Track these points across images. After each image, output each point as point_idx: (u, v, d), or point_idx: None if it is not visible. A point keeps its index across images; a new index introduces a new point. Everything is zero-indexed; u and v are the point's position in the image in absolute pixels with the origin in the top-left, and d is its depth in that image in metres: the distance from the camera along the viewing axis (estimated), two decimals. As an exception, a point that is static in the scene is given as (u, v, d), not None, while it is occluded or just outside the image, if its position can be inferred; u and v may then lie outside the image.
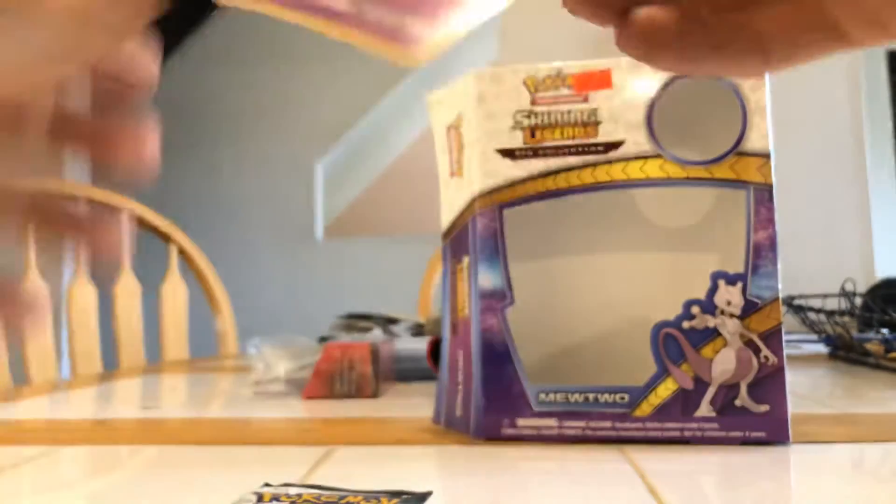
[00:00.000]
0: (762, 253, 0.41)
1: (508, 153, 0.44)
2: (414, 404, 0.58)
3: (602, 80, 0.43)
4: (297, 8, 0.23)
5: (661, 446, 0.40)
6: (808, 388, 0.63)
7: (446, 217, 0.47)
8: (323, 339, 0.89)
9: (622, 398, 0.41)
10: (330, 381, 0.63)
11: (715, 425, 0.40)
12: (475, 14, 0.24)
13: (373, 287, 3.40)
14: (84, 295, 1.19)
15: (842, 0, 0.20)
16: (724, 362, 0.40)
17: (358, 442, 0.44)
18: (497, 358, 0.43)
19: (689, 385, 0.41)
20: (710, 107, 0.42)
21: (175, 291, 1.30)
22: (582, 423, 0.42)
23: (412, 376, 0.73)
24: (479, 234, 0.44)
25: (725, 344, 0.40)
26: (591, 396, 0.42)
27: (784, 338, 0.40)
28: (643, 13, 0.21)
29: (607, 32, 0.29)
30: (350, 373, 0.63)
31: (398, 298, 3.32)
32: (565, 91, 0.43)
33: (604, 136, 0.43)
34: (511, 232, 0.43)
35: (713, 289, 0.41)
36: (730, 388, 0.40)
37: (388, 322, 1.04)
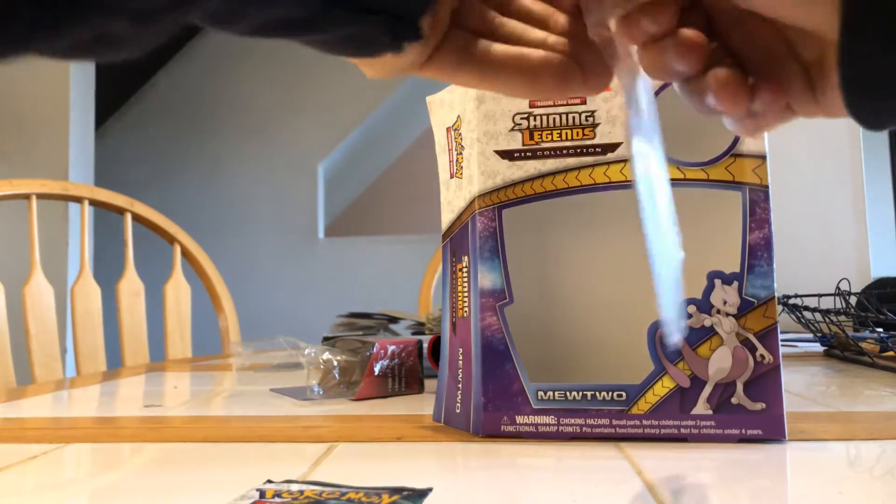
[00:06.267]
0: (758, 253, 0.41)
1: (507, 154, 0.44)
2: (414, 402, 0.58)
3: (600, 82, 0.43)
4: None
5: (658, 444, 0.41)
6: (803, 386, 0.63)
7: (446, 217, 0.48)
8: (326, 339, 0.89)
9: (620, 396, 0.42)
10: (384, 381, 0.62)
11: (711, 423, 0.41)
12: None
13: (374, 286, 3.40)
14: (88, 294, 1.19)
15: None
16: (720, 361, 0.41)
17: (359, 439, 0.44)
18: (496, 356, 0.43)
19: (686, 383, 0.41)
20: (707, 109, 0.42)
21: (178, 290, 1.30)
22: (580, 421, 0.42)
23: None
24: (479, 234, 0.44)
25: (722, 343, 0.41)
26: (589, 394, 0.42)
27: (780, 337, 0.41)
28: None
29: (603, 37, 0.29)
30: (401, 370, 0.62)
31: (399, 297, 3.32)
32: (564, 93, 0.44)
33: (601, 137, 0.43)
34: (510, 232, 0.44)
35: (710, 288, 0.41)
36: (726, 387, 0.41)
37: (389, 320, 1.04)
